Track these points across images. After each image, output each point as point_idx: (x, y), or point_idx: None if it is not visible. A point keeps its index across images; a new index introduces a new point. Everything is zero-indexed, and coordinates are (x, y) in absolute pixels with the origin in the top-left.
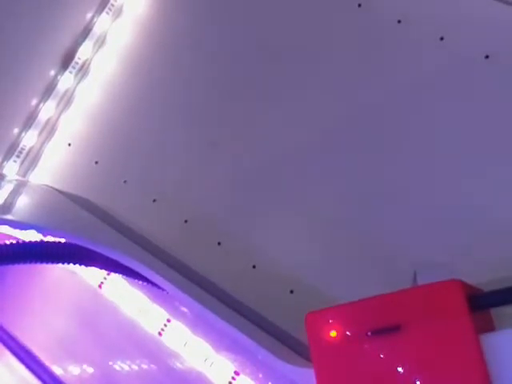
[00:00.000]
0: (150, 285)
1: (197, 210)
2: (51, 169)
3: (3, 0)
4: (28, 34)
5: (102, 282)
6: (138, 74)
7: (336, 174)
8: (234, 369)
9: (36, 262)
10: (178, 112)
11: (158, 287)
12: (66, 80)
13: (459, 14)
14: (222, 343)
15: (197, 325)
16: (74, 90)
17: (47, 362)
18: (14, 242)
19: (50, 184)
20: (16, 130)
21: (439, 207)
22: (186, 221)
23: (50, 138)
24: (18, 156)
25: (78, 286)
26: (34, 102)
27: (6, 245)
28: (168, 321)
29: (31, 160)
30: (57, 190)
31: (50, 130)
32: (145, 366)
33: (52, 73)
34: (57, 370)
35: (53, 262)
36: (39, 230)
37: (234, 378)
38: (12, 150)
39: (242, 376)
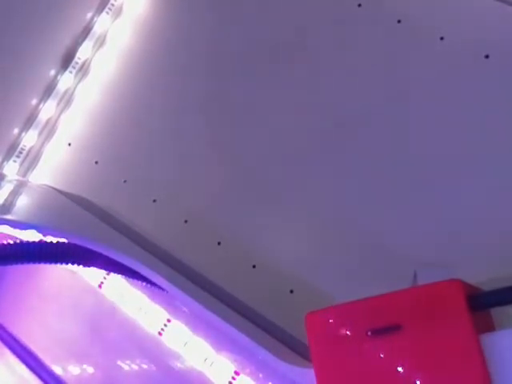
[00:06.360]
0: (150, 285)
1: (197, 210)
2: (51, 169)
3: (3, 0)
4: (28, 34)
5: (101, 282)
6: (138, 74)
7: (336, 175)
8: (234, 369)
9: (35, 262)
10: (177, 112)
11: (158, 287)
12: (66, 80)
13: (459, 13)
14: (222, 343)
15: (197, 325)
16: (74, 90)
17: (47, 362)
18: (13, 242)
19: (50, 184)
20: (16, 130)
21: (439, 207)
22: (186, 221)
23: (50, 138)
24: (18, 156)
25: (78, 286)
26: (34, 101)
27: (4, 245)
28: (168, 321)
29: (31, 160)
30: (57, 189)
31: (50, 130)
32: (145, 366)
33: (52, 73)
34: (57, 370)
35: (52, 262)
36: (39, 229)
37: (234, 378)
38: (12, 149)
39: (242, 376)
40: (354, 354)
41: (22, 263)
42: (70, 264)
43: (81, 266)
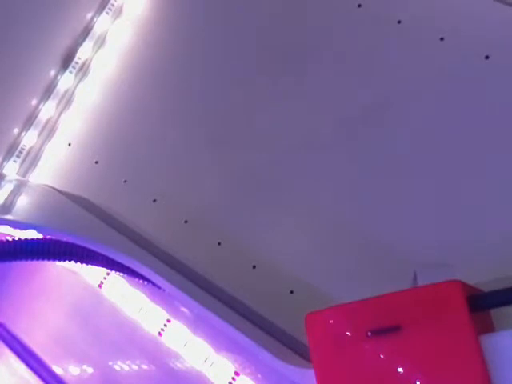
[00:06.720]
0: (150, 285)
1: (197, 210)
2: (51, 169)
3: (4, 0)
4: (28, 34)
5: (101, 282)
6: (138, 74)
7: (336, 175)
8: (234, 369)
9: (35, 259)
10: (177, 112)
11: (158, 287)
12: (66, 80)
13: (459, 14)
14: (222, 343)
15: (197, 325)
16: (74, 90)
17: (47, 362)
18: (11, 239)
19: (50, 184)
20: (16, 130)
21: (439, 207)
22: (186, 221)
23: (50, 138)
24: (18, 156)
25: (78, 285)
26: (34, 102)
27: (3, 242)
28: (168, 321)
29: (31, 160)
30: (57, 189)
31: (50, 130)
32: (145, 366)
33: (52, 73)
34: (57, 370)
35: (52, 259)
36: (39, 229)
37: (233, 379)
38: (12, 149)
39: (241, 376)
40: (354, 354)
41: (21, 260)
42: (71, 262)
43: (83, 265)
